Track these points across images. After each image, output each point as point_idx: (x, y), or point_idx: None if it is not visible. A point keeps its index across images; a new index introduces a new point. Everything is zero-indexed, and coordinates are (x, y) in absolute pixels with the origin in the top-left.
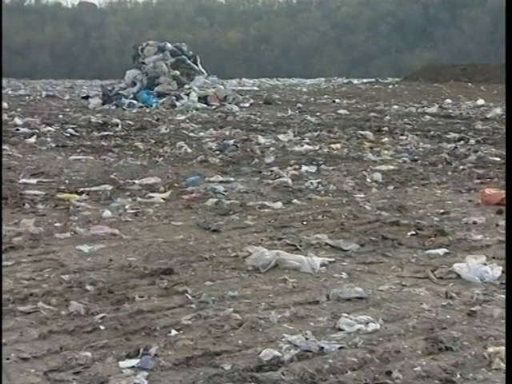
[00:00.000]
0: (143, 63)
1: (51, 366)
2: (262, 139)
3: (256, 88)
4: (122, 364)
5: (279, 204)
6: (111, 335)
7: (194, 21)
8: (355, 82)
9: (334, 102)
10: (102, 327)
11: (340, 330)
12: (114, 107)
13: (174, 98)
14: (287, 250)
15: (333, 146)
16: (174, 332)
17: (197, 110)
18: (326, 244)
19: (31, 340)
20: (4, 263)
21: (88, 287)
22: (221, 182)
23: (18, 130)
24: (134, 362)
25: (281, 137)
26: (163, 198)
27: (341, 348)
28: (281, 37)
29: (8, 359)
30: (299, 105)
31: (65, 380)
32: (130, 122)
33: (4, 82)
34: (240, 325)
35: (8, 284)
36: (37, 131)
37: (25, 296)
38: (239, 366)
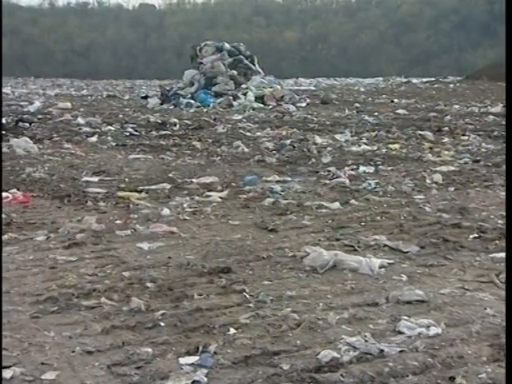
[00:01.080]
0: (201, 63)
1: (114, 360)
2: (318, 139)
3: (313, 88)
4: (181, 360)
5: (337, 204)
6: (171, 332)
7: (251, 21)
8: (414, 81)
9: (392, 101)
10: (162, 324)
11: (400, 333)
12: (172, 107)
13: (231, 97)
14: (345, 250)
15: (391, 146)
16: (232, 330)
17: (253, 109)
18: (385, 245)
19: (95, 334)
20: (68, 258)
21: (148, 284)
22: (278, 181)
23: (80, 129)
24: (194, 359)
25: (338, 137)
26: (221, 197)
27: (401, 351)
28: (338, 36)
29: (73, 352)
30: (357, 104)
31: (127, 374)
32: (188, 122)
33: (68, 82)
34: (298, 325)
35: (72, 279)
36: (98, 130)
37: (88, 291)
38: (298, 366)
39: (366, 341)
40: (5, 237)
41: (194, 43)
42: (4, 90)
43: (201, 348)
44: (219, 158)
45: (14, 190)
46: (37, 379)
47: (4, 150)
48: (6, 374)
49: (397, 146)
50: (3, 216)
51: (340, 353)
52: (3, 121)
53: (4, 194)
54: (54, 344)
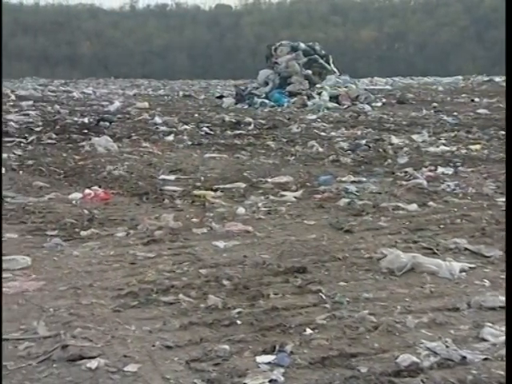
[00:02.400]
0: (276, 63)
1: (192, 355)
2: (395, 139)
3: (389, 87)
4: (258, 359)
5: (414, 206)
6: (247, 330)
7: (327, 20)
8: (497, 79)
9: (472, 101)
10: (238, 322)
11: (484, 340)
12: (246, 106)
13: (305, 97)
14: (423, 253)
15: (471, 146)
16: (308, 331)
17: (328, 109)
18: (466, 249)
19: (173, 330)
20: (147, 255)
21: (224, 282)
22: (353, 181)
23: (157, 128)
24: (270, 358)
25: (415, 137)
26: (295, 197)
27: (485, 359)
28: (416, 34)
29: (153, 346)
30: (435, 104)
31: (205, 370)
32: (262, 121)
33: (145, 82)
34: (376, 327)
35: (151, 275)
36: (174, 129)
37: (167, 287)
38: (376, 369)
39: (447, 346)
40: (88, 232)
41: (269, 43)
42: (85, 90)
43: (277, 347)
44: (293, 157)
45: (96, 187)
46: (120, 371)
47: (86, 148)
48: (92, 364)
49: (478, 146)
50: (86, 212)
51: (420, 357)
52: (85, 120)
53: (86, 191)
54: (135, 338)
